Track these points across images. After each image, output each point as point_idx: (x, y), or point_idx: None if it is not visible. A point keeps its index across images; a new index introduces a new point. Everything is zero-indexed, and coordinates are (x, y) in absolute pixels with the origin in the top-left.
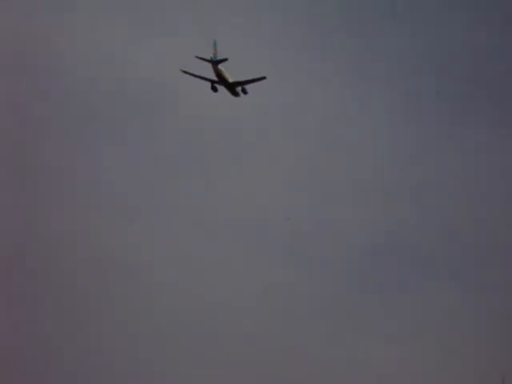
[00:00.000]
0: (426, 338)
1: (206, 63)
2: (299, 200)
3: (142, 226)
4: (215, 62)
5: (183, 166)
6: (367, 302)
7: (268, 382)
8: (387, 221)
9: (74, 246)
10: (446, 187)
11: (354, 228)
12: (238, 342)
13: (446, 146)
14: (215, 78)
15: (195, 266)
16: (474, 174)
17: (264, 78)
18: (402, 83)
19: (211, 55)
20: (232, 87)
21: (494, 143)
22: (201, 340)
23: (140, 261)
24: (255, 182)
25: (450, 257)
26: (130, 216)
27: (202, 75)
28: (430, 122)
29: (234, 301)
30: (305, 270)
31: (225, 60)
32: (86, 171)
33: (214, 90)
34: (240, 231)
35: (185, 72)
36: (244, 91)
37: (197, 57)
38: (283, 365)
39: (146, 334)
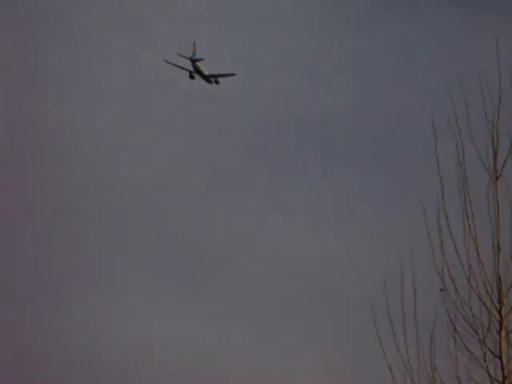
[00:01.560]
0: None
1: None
2: None
3: None
4: (193, 60)
5: None
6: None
7: None
8: None
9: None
10: None
11: None
12: None
13: None
14: (193, 70)
15: None
16: None
17: (234, 74)
18: None
19: (191, 54)
20: (207, 78)
21: None
22: None
23: None
24: None
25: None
26: None
27: (184, 68)
28: None
29: None
30: None
31: (201, 59)
32: None
33: (192, 78)
34: None
35: (168, 62)
36: (217, 82)
37: (179, 55)
38: None
39: None
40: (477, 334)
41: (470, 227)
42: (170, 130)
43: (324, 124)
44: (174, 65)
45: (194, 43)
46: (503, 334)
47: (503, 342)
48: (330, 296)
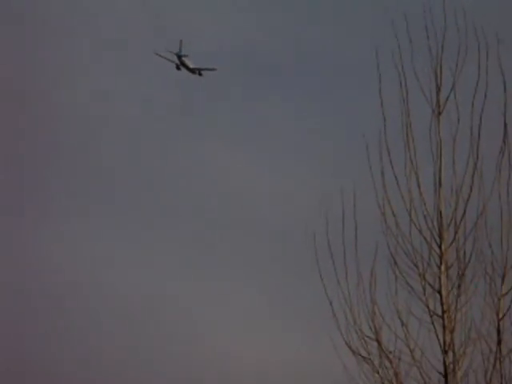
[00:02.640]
0: None
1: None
2: None
3: None
4: (179, 56)
5: None
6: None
7: None
8: None
9: None
10: None
11: None
12: None
13: None
14: (179, 63)
15: None
16: None
17: (215, 69)
18: None
19: (177, 50)
20: (191, 70)
21: None
22: None
23: None
24: None
25: None
26: None
27: (172, 60)
28: None
29: None
30: None
31: (186, 55)
32: None
33: (178, 69)
34: None
35: (157, 54)
36: (200, 74)
37: (169, 51)
38: None
39: None
40: (417, 268)
41: (411, 162)
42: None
43: (270, 57)
44: (163, 57)
45: (181, 42)
46: (443, 268)
47: (443, 277)
48: (268, 229)
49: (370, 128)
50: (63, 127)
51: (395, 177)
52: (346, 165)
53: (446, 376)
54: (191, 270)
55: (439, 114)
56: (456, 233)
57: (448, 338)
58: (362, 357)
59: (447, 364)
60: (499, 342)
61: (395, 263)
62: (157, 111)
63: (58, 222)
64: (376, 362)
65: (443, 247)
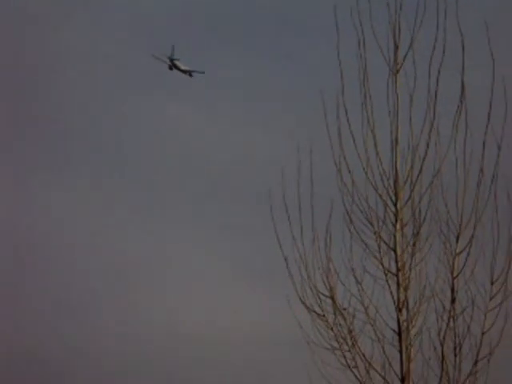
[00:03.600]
0: None
1: None
2: None
3: None
4: (171, 59)
5: None
6: None
7: None
8: None
9: None
10: None
11: None
12: None
13: None
14: (171, 65)
15: None
16: None
17: (203, 72)
18: None
19: (169, 54)
20: (182, 71)
21: None
22: None
23: None
24: None
25: None
26: None
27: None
28: None
29: None
30: None
31: (178, 59)
32: None
33: (170, 69)
34: None
35: (153, 56)
36: (190, 75)
37: (163, 54)
38: None
39: None
40: (372, 226)
41: (368, 120)
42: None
43: (224, 12)
44: (158, 58)
45: (173, 47)
46: (398, 226)
47: (398, 235)
48: (223, 185)
49: (328, 86)
50: None
51: (352, 134)
52: (303, 122)
53: (399, 334)
54: (141, 229)
55: (397, 72)
56: (412, 191)
57: (402, 296)
58: (317, 314)
59: (401, 322)
60: (453, 301)
61: (350, 221)
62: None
63: None
64: (330, 319)
65: (399, 205)
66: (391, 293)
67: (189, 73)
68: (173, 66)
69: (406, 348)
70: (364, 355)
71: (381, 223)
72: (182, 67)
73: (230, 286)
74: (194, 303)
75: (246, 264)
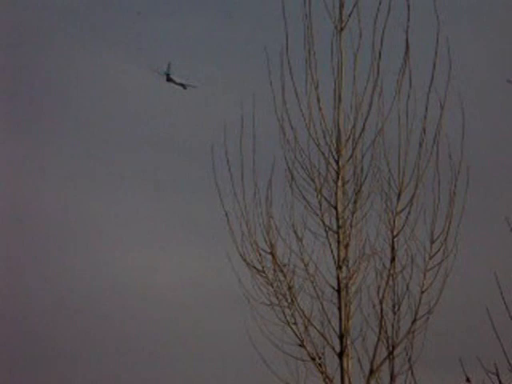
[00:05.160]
0: None
1: None
2: None
3: None
4: (167, 74)
5: None
6: None
7: None
8: None
9: None
10: None
11: None
12: None
13: None
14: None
15: None
16: None
17: (196, 86)
18: None
19: (165, 70)
20: (179, 84)
21: None
22: None
23: None
24: None
25: None
26: None
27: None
28: None
29: None
30: None
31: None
32: None
33: (168, 80)
34: None
35: (152, 69)
36: (184, 88)
37: (161, 70)
38: None
39: None
40: (314, 182)
41: (312, 77)
42: None
43: None
44: (155, 71)
45: (169, 63)
46: (340, 183)
47: (339, 192)
48: (166, 141)
49: (273, 43)
50: None
51: (295, 91)
52: (246, 77)
53: (339, 291)
54: (82, 182)
55: (341, 29)
56: (354, 149)
57: (342, 254)
58: (257, 270)
59: (341, 279)
60: (393, 259)
61: (292, 177)
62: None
63: None
64: (270, 276)
65: (340, 163)
66: (331, 250)
67: (183, 86)
68: (168, 79)
69: (345, 305)
70: (303, 312)
71: (322, 180)
72: (178, 81)
73: (170, 241)
74: (133, 258)
75: (186, 219)
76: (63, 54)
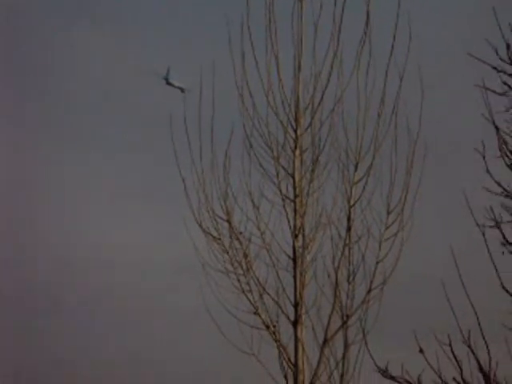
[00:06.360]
0: None
1: None
2: None
3: None
4: (166, 79)
5: None
6: None
7: None
8: None
9: None
10: None
11: None
12: None
13: None
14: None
15: None
16: None
17: (189, 90)
18: None
19: (164, 75)
20: (178, 88)
21: None
22: None
23: None
24: None
25: None
26: None
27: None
28: None
29: None
30: None
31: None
32: None
33: (168, 83)
34: None
35: (154, 73)
36: (182, 91)
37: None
38: None
39: None
40: (272, 151)
41: (272, 45)
42: None
43: None
44: (156, 74)
45: (169, 68)
46: (297, 152)
47: (297, 161)
48: (123, 109)
49: (233, 9)
50: None
51: (255, 59)
52: (207, 45)
53: (294, 260)
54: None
55: None
56: (312, 118)
57: (298, 223)
58: (213, 237)
59: (296, 248)
60: (349, 229)
61: (250, 145)
62: None
63: None
64: (226, 243)
65: (299, 132)
66: (288, 219)
67: (181, 89)
68: (167, 83)
69: (301, 274)
70: (258, 280)
71: (280, 149)
72: (176, 84)
73: (126, 205)
74: (87, 222)
75: (143, 184)
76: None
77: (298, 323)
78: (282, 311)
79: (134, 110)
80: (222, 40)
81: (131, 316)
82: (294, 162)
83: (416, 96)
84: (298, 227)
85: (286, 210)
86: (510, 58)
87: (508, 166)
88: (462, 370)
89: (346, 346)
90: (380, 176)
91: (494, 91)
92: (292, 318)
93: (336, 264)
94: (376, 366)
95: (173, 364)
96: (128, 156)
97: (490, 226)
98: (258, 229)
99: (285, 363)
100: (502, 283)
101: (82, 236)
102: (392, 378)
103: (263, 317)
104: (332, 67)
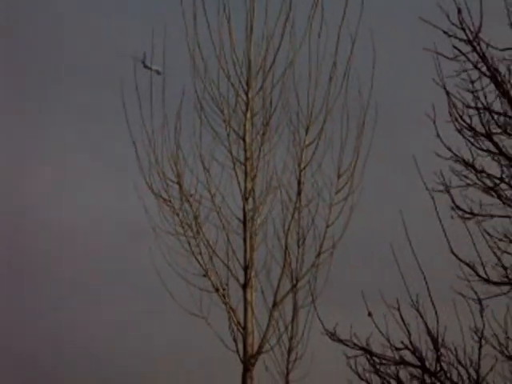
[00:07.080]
0: None
1: None
2: None
3: None
4: (143, 62)
5: None
6: None
7: None
8: None
9: None
10: None
11: None
12: None
13: None
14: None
15: None
16: None
17: (161, 73)
18: None
19: (141, 58)
20: (154, 70)
21: None
22: None
23: None
24: None
25: None
26: None
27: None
28: None
29: None
30: None
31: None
32: None
33: (145, 67)
34: None
35: (133, 57)
36: (158, 73)
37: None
38: None
39: None
40: (223, 114)
41: (224, 7)
42: None
43: None
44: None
45: (145, 53)
46: (248, 115)
47: (248, 124)
48: (80, 70)
49: None
50: None
51: (207, 20)
52: (158, 7)
53: (244, 222)
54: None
55: None
56: (264, 81)
57: (249, 185)
58: (163, 199)
59: (246, 211)
60: (299, 193)
61: (201, 108)
62: None
63: None
64: (176, 205)
65: (250, 95)
66: (238, 181)
67: (157, 72)
68: (144, 66)
69: (251, 237)
70: (208, 242)
71: (231, 112)
72: (153, 68)
73: (77, 169)
74: (40, 189)
75: (92, 147)
76: None
77: (248, 286)
78: (232, 274)
79: (83, 72)
80: (173, 1)
81: (79, 278)
82: (245, 125)
83: (367, 60)
84: (248, 190)
85: (236, 173)
86: (460, 23)
87: (458, 130)
88: (410, 333)
89: (296, 309)
90: (331, 140)
91: (444, 55)
92: (242, 280)
93: (286, 227)
94: (324, 329)
95: (122, 326)
96: (76, 117)
97: (440, 191)
98: (209, 191)
99: (234, 326)
100: (450, 247)
101: (30, 198)
102: (340, 341)
103: (213, 279)
104: (284, 29)
